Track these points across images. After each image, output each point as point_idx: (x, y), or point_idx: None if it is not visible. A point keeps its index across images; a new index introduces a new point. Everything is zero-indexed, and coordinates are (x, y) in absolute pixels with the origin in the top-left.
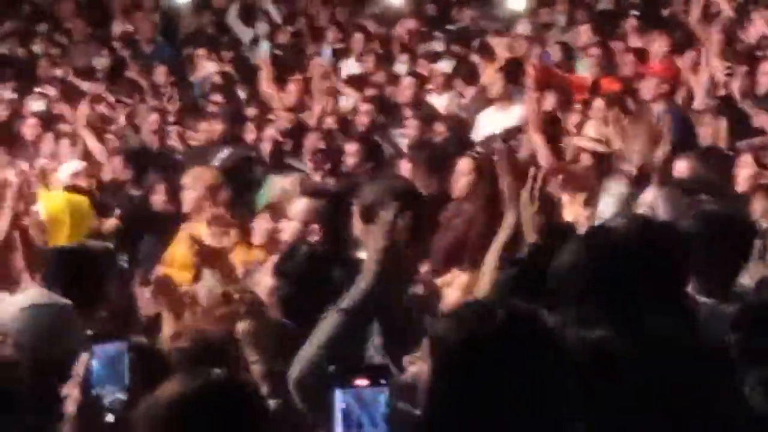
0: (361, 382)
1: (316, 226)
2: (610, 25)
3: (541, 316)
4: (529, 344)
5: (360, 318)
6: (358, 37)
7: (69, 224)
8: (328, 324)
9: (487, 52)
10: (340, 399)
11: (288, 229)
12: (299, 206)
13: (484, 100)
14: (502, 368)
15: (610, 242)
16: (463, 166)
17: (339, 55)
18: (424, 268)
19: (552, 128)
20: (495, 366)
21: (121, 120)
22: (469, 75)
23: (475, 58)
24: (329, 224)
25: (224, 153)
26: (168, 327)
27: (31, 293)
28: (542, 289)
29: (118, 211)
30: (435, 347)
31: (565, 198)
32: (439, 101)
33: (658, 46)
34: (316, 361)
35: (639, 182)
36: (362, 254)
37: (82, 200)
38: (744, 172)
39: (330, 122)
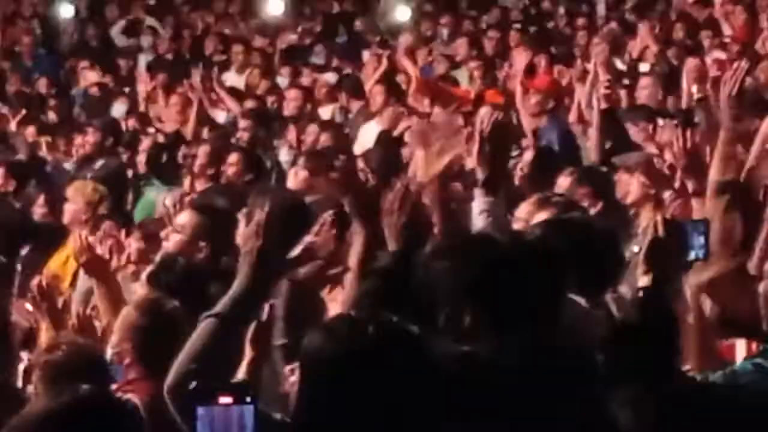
0: (225, 399)
1: (202, 243)
2: (496, 38)
3: (411, 331)
4: (397, 359)
5: (233, 323)
6: (237, 50)
7: None
8: (200, 331)
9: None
10: (202, 416)
11: (172, 241)
12: (185, 219)
13: (369, 114)
14: (370, 382)
15: (483, 253)
16: None
17: (220, 67)
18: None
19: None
20: (363, 380)
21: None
22: (354, 88)
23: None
24: (213, 239)
25: (98, 164)
26: (45, 338)
27: None
28: (406, 298)
29: None
30: (305, 360)
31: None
32: (324, 113)
33: (542, 59)
34: (186, 371)
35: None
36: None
37: None
38: (623, 187)
39: (209, 133)
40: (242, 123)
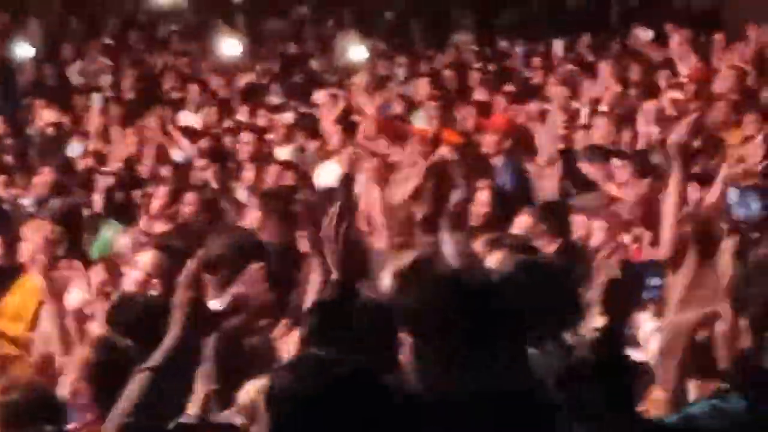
0: None
1: (156, 280)
2: (453, 77)
3: (377, 372)
4: (363, 400)
5: (168, 374)
6: (194, 89)
7: None
8: (135, 383)
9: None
10: None
11: (130, 279)
12: (146, 258)
13: (326, 153)
14: (335, 423)
15: (448, 290)
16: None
17: (176, 106)
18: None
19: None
20: (328, 421)
21: None
22: (311, 128)
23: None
24: (170, 278)
25: (53, 204)
26: None
27: None
28: (347, 330)
29: None
30: (271, 399)
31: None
32: (282, 153)
33: (500, 99)
34: (122, 424)
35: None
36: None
37: None
38: (582, 229)
39: (165, 172)
40: (199, 162)
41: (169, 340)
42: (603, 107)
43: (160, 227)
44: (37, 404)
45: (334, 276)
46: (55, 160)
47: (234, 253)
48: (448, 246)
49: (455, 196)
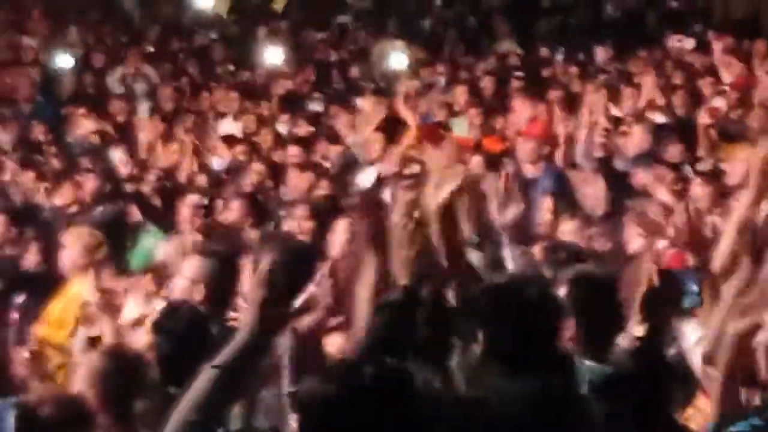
0: None
1: (201, 286)
2: (493, 85)
3: (409, 375)
4: (394, 404)
5: (233, 374)
6: (234, 97)
7: None
8: (200, 381)
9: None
10: None
11: (177, 287)
12: (191, 264)
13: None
14: (364, 428)
15: (507, 298)
16: (340, 226)
17: (216, 114)
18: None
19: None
20: (357, 425)
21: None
22: (332, 136)
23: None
24: (215, 284)
25: (96, 211)
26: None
27: None
28: (412, 335)
29: None
30: (301, 406)
31: None
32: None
33: (540, 107)
34: (188, 421)
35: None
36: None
37: None
38: (632, 235)
39: (203, 180)
40: (255, 166)
41: (239, 339)
42: (659, 118)
43: (200, 235)
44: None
45: (402, 280)
46: (97, 168)
47: (294, 258)
48: (512, 259)
49: (512, 209)
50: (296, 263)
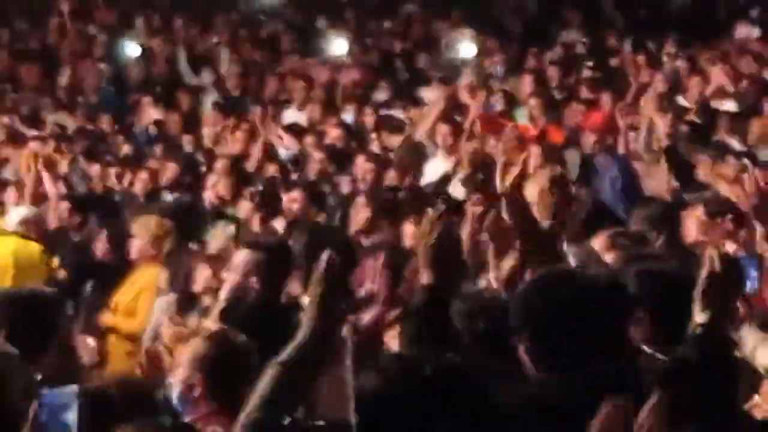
0: None
1: (254, 279)
2: (559, 75)
3: (467, 369)
4: (453, 399)
5: (299, 370)
6: (299, 86)
7: (14, 271)
8: (267, 377)
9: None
10: None
11: (228, 280)
12: (239, 258)
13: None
14: (424, 423)
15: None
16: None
17: (281, 103)
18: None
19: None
20: (417, 420)
21: (64, 166)
22: (398, 126)
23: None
24: (268, 276)
25: (168, 199)
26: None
27: None
28: (446, 332)
29: (60, 259)
30: (358, 400)
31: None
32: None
33: (604, 96)
34: (255, 417)
35: None
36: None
37: (33, 247)
38: (692, 223)
39: (271, 170)
40: (317, 155)
41: (302, 335)
42: (730, 106)
43: (267, 224)
44: (134, 400)
45: (425, 278)
46: (175, 156)
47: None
48: (578, 254)
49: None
50: (349, 258)
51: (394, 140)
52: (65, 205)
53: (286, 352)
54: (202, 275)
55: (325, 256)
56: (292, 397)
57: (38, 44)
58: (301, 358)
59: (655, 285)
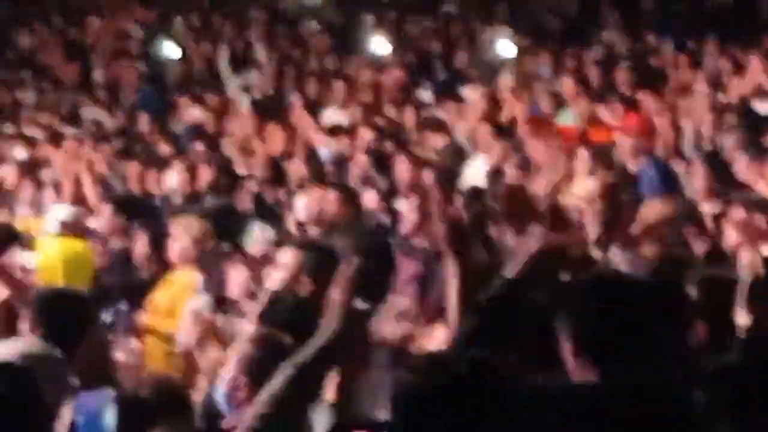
0: None
1: (305, 279)
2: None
3: (503, 368)
4: (489, 397)
5: (310, 373)
6: (339, 86)
7: (62, 272)
8: (278, 378)
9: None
10: None
11: (274, 278)
12: (287, 257)
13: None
14: (461, 421)
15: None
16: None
17: (321, 103)
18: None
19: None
20: (454, 419)
21: (102, 166)
22: (438, 127)
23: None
24: (316, 276)
25: (207, 201)
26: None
27: (21, 342)
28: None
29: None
30: (396, 401)
31: None
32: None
33: (647, 97)
34: (261, 414)
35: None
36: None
37: (80, 247)
38: (732, 225)
39: (310, 170)
40: (359, 158)
41: (319, 337)
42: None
43: (304, 225)
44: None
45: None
46: (214, 159)
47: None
48: (624, 260)
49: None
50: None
51: (438, 140)
52: (107, 208)
53: (301, 354)
54: (237, 277)
55: (348, 262)
56: (300, 397)
57: (76, 42)
58: (315, 359)
59: (712, 292)
